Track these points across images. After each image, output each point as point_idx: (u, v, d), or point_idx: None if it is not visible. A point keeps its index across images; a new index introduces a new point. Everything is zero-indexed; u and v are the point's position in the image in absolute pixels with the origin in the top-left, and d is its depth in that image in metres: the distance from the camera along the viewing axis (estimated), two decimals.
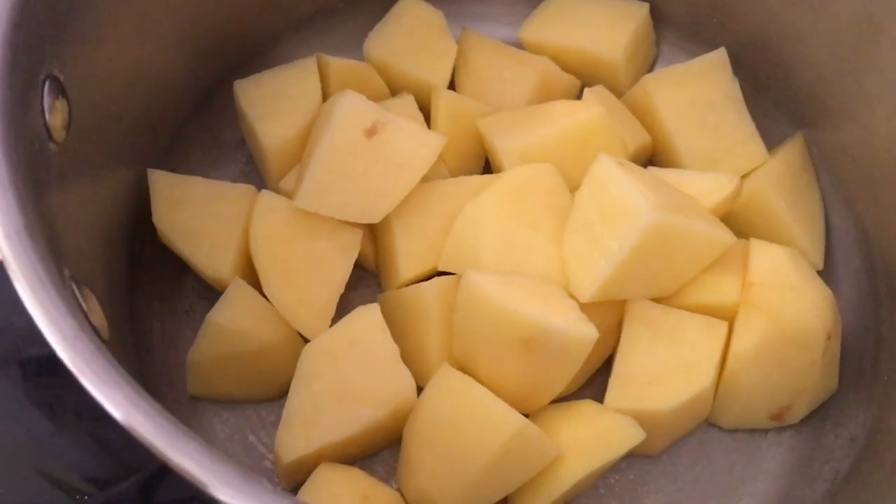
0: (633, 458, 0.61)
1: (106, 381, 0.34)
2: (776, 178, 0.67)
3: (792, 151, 0.69)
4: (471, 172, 0.70)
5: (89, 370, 0.34)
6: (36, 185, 0.43)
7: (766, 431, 0.63)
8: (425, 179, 0.63)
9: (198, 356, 0.60)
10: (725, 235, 0.60)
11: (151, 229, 0.63)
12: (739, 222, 0.66)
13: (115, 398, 0.34)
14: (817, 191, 0.70)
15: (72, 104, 0.50)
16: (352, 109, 0.61)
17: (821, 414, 0.63)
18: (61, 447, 0.64)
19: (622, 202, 0.56)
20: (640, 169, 0.61)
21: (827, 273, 0.67)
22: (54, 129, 0.47)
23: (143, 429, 0.33)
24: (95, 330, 0.40)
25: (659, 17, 0.76)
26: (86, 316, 0.40)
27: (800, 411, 0.62)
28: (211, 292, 0.64)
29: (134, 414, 0.34)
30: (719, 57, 0.70)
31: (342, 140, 0.61)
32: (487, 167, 0.71)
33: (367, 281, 0.68)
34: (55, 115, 0.47)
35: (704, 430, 0.63)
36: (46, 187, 0.45)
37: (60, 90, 0.48)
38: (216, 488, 0.33)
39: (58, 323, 0.36)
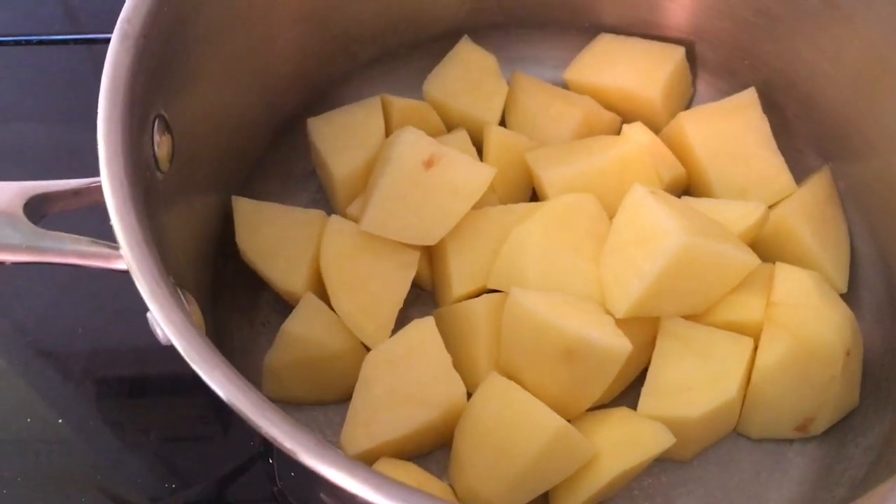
0: (665, 463, 0.66)
1: (210, 364, 0.41)
2: (802, 208, 0.71)
3: (819, 183, 0.74)
4: (519, 200, 0.75)
5: (197, 355, 0.42)
6: (148, 206, 0.51)
7: (791, 441, 0.67)
8: (477, 206, 0.69)
9: (273, 362, 0.67)
10: (750, 258, 0.65)
11: (234, 249, 0.70)
12: (769, 248, 0.71)
13: (217, 378, 0.41)
14: (843, 220, 0.74)
15: (175, 139, 0.58)
16: (411, 143, 0.68)
17: (843, 426, 0.67)
18: (127, 466, 0.69)
19: (654, 227, 0.62)
20: (672, 197, 0.66)
21: (851, 295, 0.71)
22: (161, 161, 0.55)
23: (240, 403, 0.41)
24: None
25: (695, 59, 0.81)
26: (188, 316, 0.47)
27: (822, 423, 0.66)
28: (284, 307, 0.70)
29: (233, 391, 0.41)
30: (749, 96, 0.76)
31: (403, 171, 0.67)
32: (534, 196, 0.76)
33: (423, 299, 0.74)
34: (162, 148, 0.55)
35: (733, 439, 0.68)
36: (155, 209, 0.53)
37: (166, 127, 0.56)
38: (302, 454, 0.39)
39: (171, 317, 0.43)
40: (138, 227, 0.46)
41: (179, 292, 0.49)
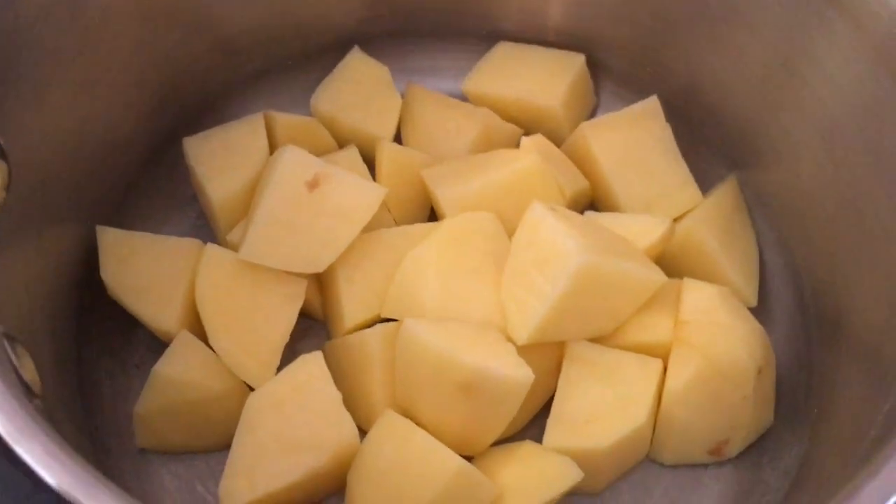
0: (576, 495, 0.62)
1: (27, 437, 0.35)
2: (709, 219, 0.69)
3: (725, 193, 0.71)
4: (416, 221, 0.71)
5: (12, 427, 0.36)
6: None
7: (706, 466, 0.64)
8: (370, 229, 0.65)
9: (144, 408, 0.61)
10: (656, 275, 0.61)
11: (101, 284, 0.64)
12: (676, 263, 0.68)
13: (36, 454, 0.35)
14: (751, 230, 0.72)
15: (11, 165, 0.51)
16: (293, 163, 0.63)
17: (758, 448, 0.64)
18: None
19: (553, 246, 0.58)
20: (573, 214, 0.63)
21: (761, 309, 0.69)
22: None
23: (66, 486, 0.35)
24: (27, 386, 0.41)
25: (597, 67, 0.78)
26: (16, 372, 0.41)
27: (737, 446, 0.63)
28: (161, 346, 0.64)
29: (57, 469, 0.35)
30: (651, 104, 0.73)
31: (284, 193, 0.62)
32: (433, 216, 0.72)
33: (315, 330, 0.69)
34: None
35: (646, 466, 0.64)
36: None
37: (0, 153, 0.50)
38: None
39: None
40: None
41: (7, 345, 0.42)
